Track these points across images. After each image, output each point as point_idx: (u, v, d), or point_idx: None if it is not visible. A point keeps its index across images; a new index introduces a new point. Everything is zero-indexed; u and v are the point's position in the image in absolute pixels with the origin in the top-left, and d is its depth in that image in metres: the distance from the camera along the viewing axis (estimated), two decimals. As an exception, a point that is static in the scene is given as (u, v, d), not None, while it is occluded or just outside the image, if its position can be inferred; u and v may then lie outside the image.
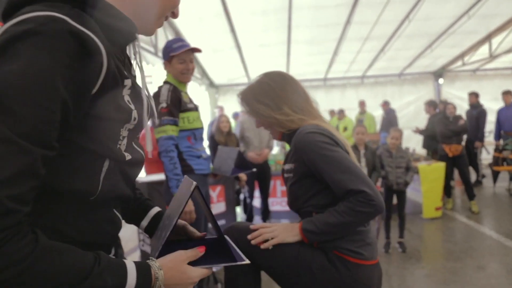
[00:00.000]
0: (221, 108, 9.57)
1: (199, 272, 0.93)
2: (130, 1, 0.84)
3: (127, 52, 0.95)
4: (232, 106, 10.34)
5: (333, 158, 1.50)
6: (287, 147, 8.20)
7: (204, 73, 10.06)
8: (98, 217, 0.86)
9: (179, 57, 2.53)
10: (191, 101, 2.66)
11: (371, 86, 11.46)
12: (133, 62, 0.96)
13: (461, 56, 9.76)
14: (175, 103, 2.48)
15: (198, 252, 0.94)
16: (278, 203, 5.82)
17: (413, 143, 8.19)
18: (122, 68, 0.83)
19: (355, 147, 4.47)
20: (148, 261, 0.87)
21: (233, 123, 8.74)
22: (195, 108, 2.66)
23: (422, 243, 4.64)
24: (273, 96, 1.69)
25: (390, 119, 9.14)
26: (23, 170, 0.63)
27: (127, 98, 0.84)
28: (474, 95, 7.39)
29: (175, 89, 2.54)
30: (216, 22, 7.01)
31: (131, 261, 0.82)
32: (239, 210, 5.86)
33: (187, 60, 2.55)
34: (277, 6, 6.65)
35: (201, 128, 2.67)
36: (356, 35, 7.95)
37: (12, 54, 0.64)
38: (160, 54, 6.59)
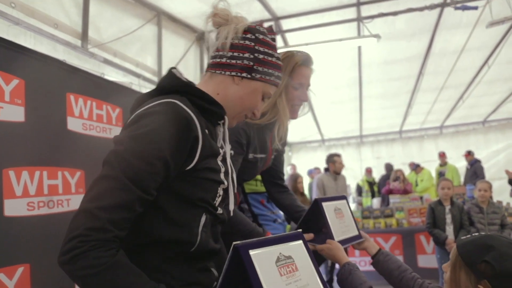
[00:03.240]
0: (293, 166, 9.65)
1: None
2: (221, 96, 1.09)
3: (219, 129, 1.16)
4: (305, 163, 10.40)
5: None
6: (365, 202, 7.91)
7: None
8: (193, 269, 1.01)
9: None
10: None
11: (451, 136, 10.85)
12: (220, 138, 1.15)
13: (555, 97, 8.96)
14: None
15: None
16: (356, 262, 5.56)
17: (506, 196, 7.45)
18: (215, 141, 1.06)
19: (440, 203, 4.22)
20: None
21: (306, 180, 8.74)
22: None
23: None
24: None
25: (475, 170, 8.46)
26: (123, 203, 0.85)
27: (220, 164, 1.06)
28: None
29: None
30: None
31: None
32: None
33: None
34: (347, 64, 6.83)
35: None
36: (430, 85, 7.77)
37: (140, 124, 0.92)
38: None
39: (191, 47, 5.34)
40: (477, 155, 9.05)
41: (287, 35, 5.77)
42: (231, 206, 1.14)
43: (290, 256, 0.99)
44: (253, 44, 1.08)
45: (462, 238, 1.17)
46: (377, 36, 5.14)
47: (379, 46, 5.81)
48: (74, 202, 2.06)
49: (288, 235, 1.04)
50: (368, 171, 9.68)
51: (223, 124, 1.12)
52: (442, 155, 9.10)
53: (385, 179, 8.88)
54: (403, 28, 5.86)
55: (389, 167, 9.08)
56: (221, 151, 1.07)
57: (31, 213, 1.84)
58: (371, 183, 9.38)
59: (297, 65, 1.64)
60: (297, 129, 10.28)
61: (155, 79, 4.60)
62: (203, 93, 1.05)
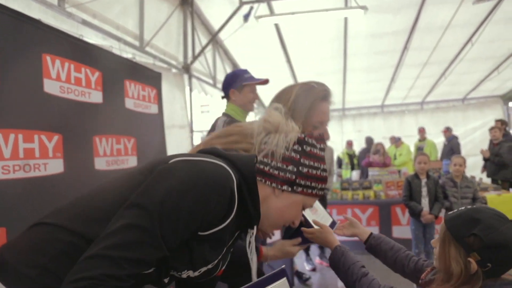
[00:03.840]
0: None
1: None
2: (266, 206, 1.04)
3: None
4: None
5: None
6: (345, 174, 8.04)
7: (260, 103, 10.32)
8: None
9: (252, 86, 2.66)
10: None
11: (431, 112, 11.04)
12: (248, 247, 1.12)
13: (533, 78, 9.16)
14: None
15: None
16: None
17: (479, 172, 7.70)
18: (226, 243, 1.03)
19: (416, 176, 4.33)
20: None
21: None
22: None
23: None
24: None
25: (452, 146, 8.68)
26: (149, 259, 0.82)
27: (214, 259, 1.01)
28: None
29: (232, 121, 2.67)
30: (272, 52, 7.26)
31: None
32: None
33: (255, 90, 2.70)
34: (332, 35, 6.77)
35: None
36: (414, 60, 7.81)
37: (196, 182, 0.89)
38: (218, 85, 6.93)
39: (175, 11, 5.16)
40: (455, 132, 9.26)
41: (274, 3, 5.64)
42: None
43: None
44: (298, 156, 1.05)
45: (449, 213, 1.21)
46: (364, 8, 5.06)
47: (365, 19, 5.75)
48: (51, 166, 2.02)
49: (274, 274, 1.08)
50: (349, 144, 9.82)
51: (252, 233, 1.09)
52: (421, 131, 9.28)
53: (365, 152, 9.04)
54: (390, 1, 5.81)
55: (369, 140, 9.22)
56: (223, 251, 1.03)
57: (6, 177, 1.79)
58: (351, 156, 9.54)
59: (317, 101, 1.45)
60: (280, 100, 10.22)
61: (137, 43, 4.46)
62: (257, 195, 1.01)
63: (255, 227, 1.07)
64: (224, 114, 2.72)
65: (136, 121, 2.90)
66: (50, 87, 2.06)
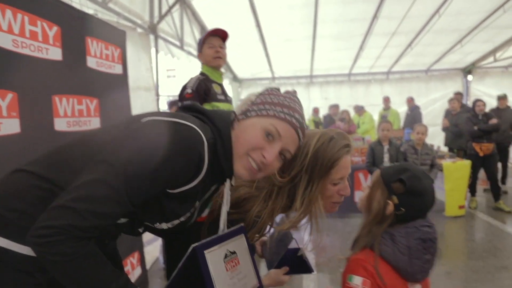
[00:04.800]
0: (244, 102, 9.61)
1: None
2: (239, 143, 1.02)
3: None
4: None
5: None
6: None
7: (227, 67, 10.15)
8: None
9: (208, 42, 2.68)
10: (223, 93, 2.75)
11: (396, 82, 11.29)
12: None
13: (493, 52, 9.49)
14: (200, 91, 2.58)
15: None
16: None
17: (438, 141, 8.06)
18: (199, 198, 1.06)
19: (379, 143, 4.47)
20: None
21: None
22: (227, 100, 2.74)
23: (444, 241, 4.60)
24: None
25: (414, 115, 8.99)
26: (114, 214, 0.86)
27: (185, 213, 1.05)
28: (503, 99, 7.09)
29: (207, 79, 2.65)
30: (242, 16, 7.07)
31: None
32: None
33: (216, 45, 2.67)
34: (304, 1, 6.65)
35: None
36: (383, 30, 7.86)
37: (161, 142, 0.90)
38: (186, 48, 6.71)
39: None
40: (417, 102, 9.56)
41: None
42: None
43: (235, 251, 1.14)
44: (260, 100, 1.08)
45: (386, 166, 1.38)
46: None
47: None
48: (6, 126, 1.90)
49: (234, 231, 1.17)
50: (315, 111, 9.93)
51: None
52: (386, 100, 9.50)
53: (327, 119, 9.22)
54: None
55: (332, 108, 9.37)
56: (196, 206, 1.07)
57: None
58: (317, 123, 9.68)
59: (339, 156, 1.24)
60: (247, 65, 10.12)
61: (98, -2, 4.19)
62: (230, 150, 1.02)
63: (228, 180, 1.10)
64: (200, 72, 2.77)
65: (99, 81, 2.77)
66: (2, 40, 1.90)
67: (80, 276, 0.84)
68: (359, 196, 1.51)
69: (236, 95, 11.16)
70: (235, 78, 11.04)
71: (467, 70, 10.82)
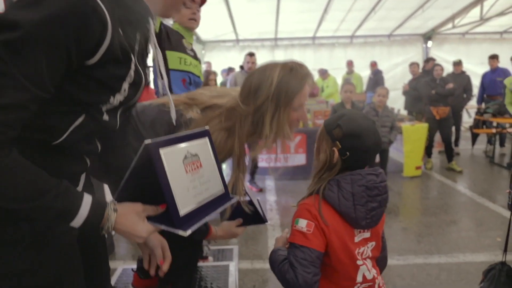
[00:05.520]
0: (208, 64, 9.39)
1: (147, 228, 0.94)
2: None
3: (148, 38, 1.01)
4: (219, 62, 10.17)
5: None
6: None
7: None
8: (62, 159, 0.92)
9: (186, 2, 2.54)
10: (192, 50, 2.62)
11: (359, 46, 11.35)
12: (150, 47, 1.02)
13: (452, 18, 9.69)
14: (164, 37, 2.39)
15: (158, 208, 0.95)
16: (264, 159, 5.91)
17: (398, 104, 8.29)
18: (129, 52, 0.89)
19: (342, 105, 4.52)
20: (108, 201, 0.92)
21: (220, 80, 8.64)
22: (195, 57, 2.62)
23: (401, 200, 4.83)
24: None
25: (376, 79, 9.16)
26: (17, 103, 0.73)
27: (127, 72, 0.91)
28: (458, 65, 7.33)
29: (178, 32, 2.53)
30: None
31: (91, 196, 0.88)
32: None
33: (193, 7, 2.55)
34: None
35: (198, 77, 2.60)
36: (348, -8, 7.78)
37: (43, 5, 0.73)
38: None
39: None
40: (380, 66, 9.71)
41: None
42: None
43: (196, 154, 1.05)
44: None
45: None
46: None
47: None
48: None
49: (195, 133, 1.07)
50: (280, 75, 9.84)
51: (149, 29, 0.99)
52: (349, 64, 9.58)
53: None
54: None
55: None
56: (132, 66, 0.91)
57: None
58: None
59: (300, 85, 1.42)
60: (211, 26, 9.78)
61: None
62: None
63: (150, 20, 0.99)
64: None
65: None
66: None
67: (10, 189, 0.75)
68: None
69: (200, 57, 10.81)
70: (198, 40, 10.68)
71: (427, 36, 11.05)
